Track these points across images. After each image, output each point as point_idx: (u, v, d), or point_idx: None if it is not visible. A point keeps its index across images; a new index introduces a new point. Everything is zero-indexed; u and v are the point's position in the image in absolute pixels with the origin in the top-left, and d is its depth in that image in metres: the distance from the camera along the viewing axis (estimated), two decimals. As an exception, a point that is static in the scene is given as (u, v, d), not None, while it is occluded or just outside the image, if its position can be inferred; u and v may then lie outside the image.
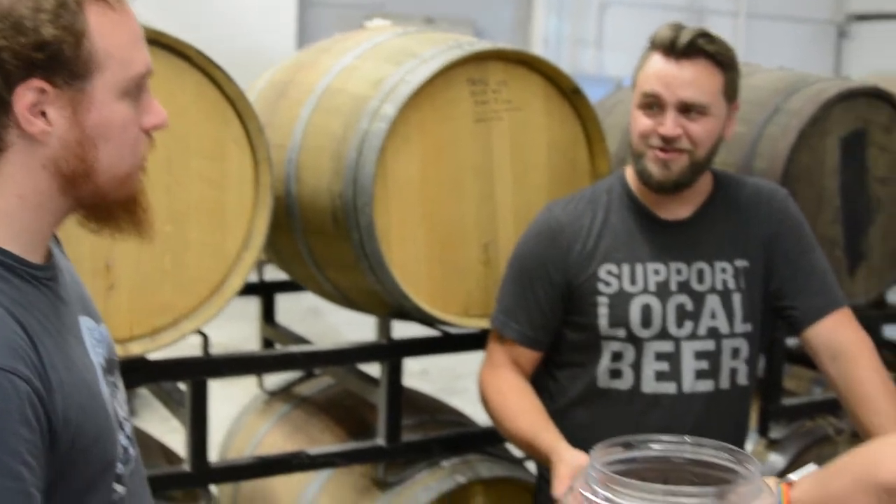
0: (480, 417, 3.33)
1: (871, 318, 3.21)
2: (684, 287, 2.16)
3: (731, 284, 2.17)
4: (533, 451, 2.10)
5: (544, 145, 2.65)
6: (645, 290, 2.15)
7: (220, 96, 2.36)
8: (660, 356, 2.14)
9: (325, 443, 2.90)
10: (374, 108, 2.47)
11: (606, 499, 1.26)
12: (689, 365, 2.14)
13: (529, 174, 2.64)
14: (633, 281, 2.16)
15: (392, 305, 2.62)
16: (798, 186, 2.91)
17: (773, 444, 3.12)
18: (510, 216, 2.62)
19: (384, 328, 2.68)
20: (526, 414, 2.12)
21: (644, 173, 2.13)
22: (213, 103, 2.35)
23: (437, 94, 2.49)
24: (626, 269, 2.16)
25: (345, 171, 2.49)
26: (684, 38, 2.07)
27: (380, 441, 2.68)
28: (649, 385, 2.15)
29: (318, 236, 2.68)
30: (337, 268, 2.72)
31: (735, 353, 2.17)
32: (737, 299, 2.17)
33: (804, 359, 3.21)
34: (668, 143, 2.08)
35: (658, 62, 2.10)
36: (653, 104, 2.09)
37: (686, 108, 2.07)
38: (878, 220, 3.19)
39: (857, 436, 3.19)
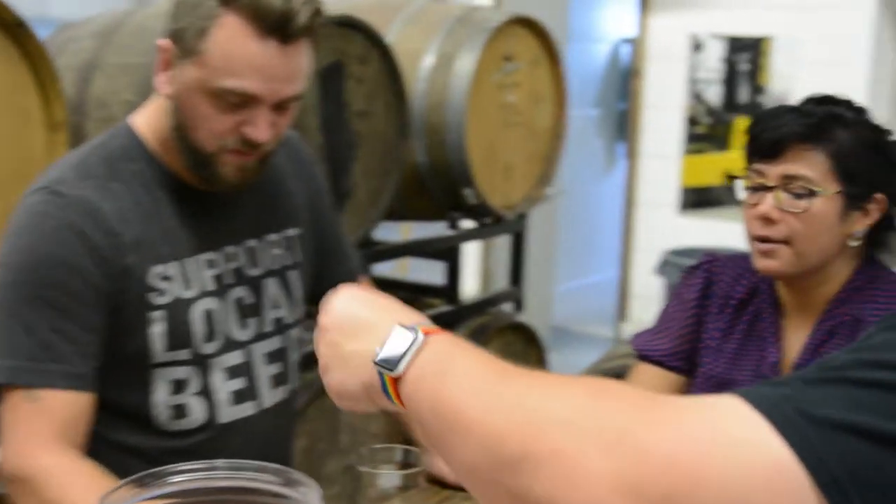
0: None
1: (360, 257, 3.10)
2: (240, 275, 1.67)
3: (287, 260, 1.75)
4: None
5: (-15, 92, 2.18)
6: (203, 292, 1.61)
7: None
8: (232, 372, 1.64)
9: None
10: None
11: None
12: (263, 373, 1.69)
13: (-31, 128, 2.16)
14: (187, 282, 1.59)
15: None
16: (280, 125, 2.69)
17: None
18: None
19: None
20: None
21: (214, 178, 1.57)
22: None
23: None
24: (176, 267, 1.58)
25: None
26: (302, 15, 1.46)
27: None
28: (226, 413, 1.64)
29: None
30: None
31: (299, 344, 1.79)
32: (294, 278, 1.76)
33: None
34: (253, 147, 1.54)
35: (254, 47, 1.46)
36: (242, 102, 1.50)
37: (283, 104, 1.54)
38: (359, 156, 3.08)
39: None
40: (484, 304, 3.75)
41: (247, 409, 1.67)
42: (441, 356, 0.90)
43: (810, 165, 1.67)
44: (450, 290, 3.58)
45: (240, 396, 1.65)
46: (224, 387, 1.63)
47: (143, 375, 1.58)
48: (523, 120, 3.62)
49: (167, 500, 1.09)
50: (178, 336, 1.58)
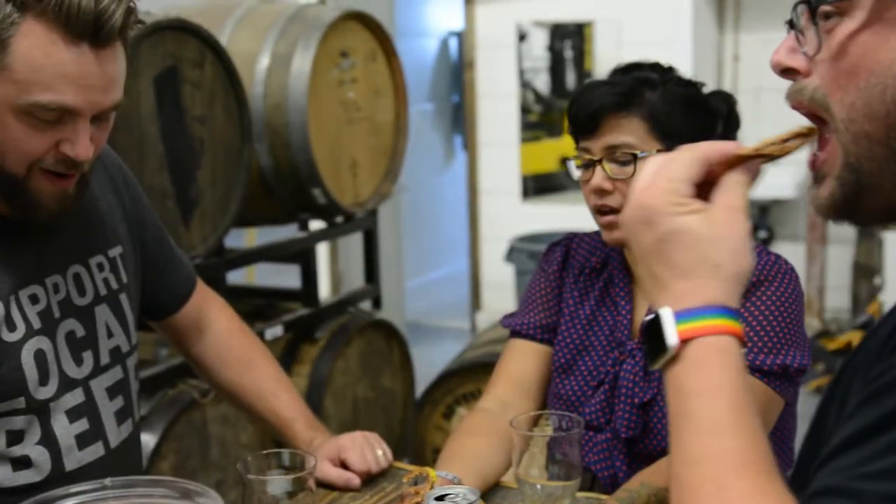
0: None
1: (213, 266, 3.02)
2: (67, 306, 1.50)
3: (114, 283, 1.59)
4: None
5: None
6: (30, 331, 1.44)
7: None
8: (74, 413, 1.49)
9: None
10: None
11: None
12: (107, 410, 1.54)
13: None
14: (11, 325, 1.41)
15: None
16: (117, 136, 2.58)
17: (141, 422, 2.80)
18: None
19: None
20: None
21: (31, 206, 1.40)
22: None
23: None
24: None
25: None
26: (116, 16, 1.31)
27: None
28: (73, 459, 1.49)
29: None
30: None
31: (136, 371, 1.66)
32: (125, 301, 1.61)
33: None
34: (73, 166, 1.37)
35: (65, 55, 1.29)
36: (58, 118, 1.33)
37: (102, 116, 1.39)
38: (203, 162, 3.00)
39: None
40: (342, 305, 3.70)
41: (94, 452, 1.53)
42: (682, 391, 0.91)
43: (628, 132, 1.73)
44: (307, 292, 3.52)
45: (85, 439, 1.51)
46: (68, 431, 1.49)
47: None
48: (365, 115, 3.59)
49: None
50: (11, 384, 1.41)
